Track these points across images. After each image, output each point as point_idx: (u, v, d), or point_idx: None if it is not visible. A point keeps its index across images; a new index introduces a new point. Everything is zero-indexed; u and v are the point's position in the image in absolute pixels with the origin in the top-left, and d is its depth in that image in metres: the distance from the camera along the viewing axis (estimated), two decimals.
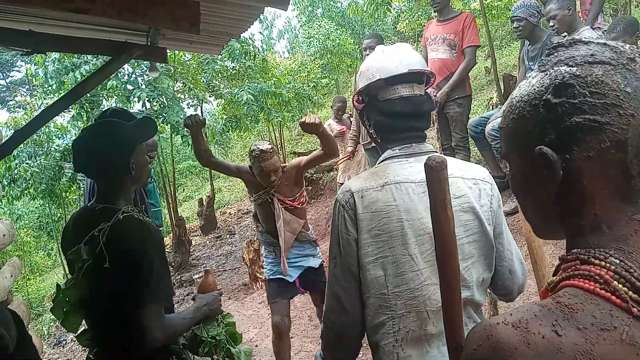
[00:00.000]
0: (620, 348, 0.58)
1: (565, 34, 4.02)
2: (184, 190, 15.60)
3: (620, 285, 0.62)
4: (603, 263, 0.65)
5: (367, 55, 2.37)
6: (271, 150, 3.05)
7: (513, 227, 4.07)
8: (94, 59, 6.31)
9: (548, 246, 3.96)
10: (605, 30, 4.34)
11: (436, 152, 1.50)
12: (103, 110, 2.54)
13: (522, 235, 1.93)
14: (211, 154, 3.22)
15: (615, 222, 0.68)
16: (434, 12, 5.04)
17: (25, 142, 6.31)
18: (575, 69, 0.67)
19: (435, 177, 0.72)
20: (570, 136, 0.66)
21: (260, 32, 14.26)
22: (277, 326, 3.23)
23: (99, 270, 1.55)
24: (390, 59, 1.47)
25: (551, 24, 4.00)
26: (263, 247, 3.51)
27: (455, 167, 1.43)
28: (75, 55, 6.25)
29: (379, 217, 1.35)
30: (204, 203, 8.85)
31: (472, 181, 1.41)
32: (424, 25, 5.35)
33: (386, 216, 1.35)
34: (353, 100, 1.61)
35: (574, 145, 0.66)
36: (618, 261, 0.65)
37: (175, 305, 4.00)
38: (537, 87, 0.70)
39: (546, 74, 0.70)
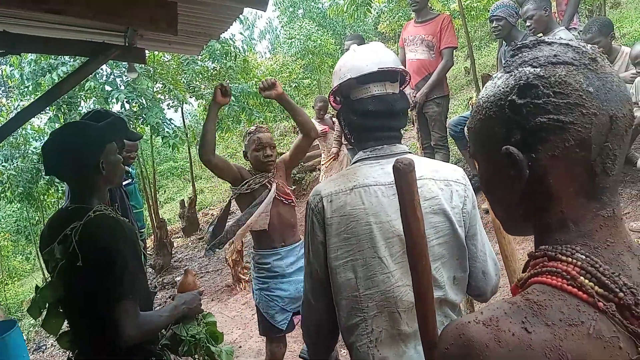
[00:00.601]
0: (588, 342, 0.59)
1: (541, 34, 4.09)
2: (165, 192, 15.45)
3: (586, 281, 0.64)
4: (570, 259, 0.67)
5: None
6: (265, 127, 2.98)
7: (485, 224, 4.12)
8: (72, 60, 6.21)
9: (526, 242, 4.03)
10: (580, 31, 4.42)
11: (410, 152, 1.50)
12: (87, 112, 2.51)
13: (493, 231, 1.95)
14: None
15: (581, 219, 0.70)
16: (412, 12, 5.08)
17: (1, 144, 6.19)
18: (539, 69, 0.68)
19: (404, 179, 0.73)
20: (535, 136, 0.68)
21: (241, 33, 14.19)
22: (273, 353, 3.02)
23: (72, 268, 1.56)
24: (361, 58, 1.46)
25: (528, 24, 4.07)
26: (252, 262, 3.11)
27: (427, 168, 1.43)
28: (52, 57, 6.15)
29: (348, 220, 1.36)
30: (186, 204, 8.77)
31: (443, 182, 1.41)
32: (404, 26, 5.38)
33: (354, 219, 1.36)
34: (330, 102, 1.61)
35: (539, 144, 0.68)
36: (584, 257, 0.66)
37: (158, 308, 3.97)
38: (502, 88, 0.71)
39: (511, 75, 0.71)
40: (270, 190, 2.85)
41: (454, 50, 4.93)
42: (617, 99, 0.66)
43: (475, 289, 1.49)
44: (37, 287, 1.74)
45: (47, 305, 1.70)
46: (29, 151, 7.50)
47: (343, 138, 5.41)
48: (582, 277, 0.64)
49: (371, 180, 1.39)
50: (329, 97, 1.60)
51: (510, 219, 0.81)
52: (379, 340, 1.37)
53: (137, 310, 1.63)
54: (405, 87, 1.56)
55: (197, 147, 2.95)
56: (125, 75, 6.58)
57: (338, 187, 1.41)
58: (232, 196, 3.02)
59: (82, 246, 1.56)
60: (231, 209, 3.35)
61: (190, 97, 8.79)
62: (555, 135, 0.67)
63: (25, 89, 6.43)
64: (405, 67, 4.89)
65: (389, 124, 1.46)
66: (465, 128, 4.51)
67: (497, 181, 0.76)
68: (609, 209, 0.70)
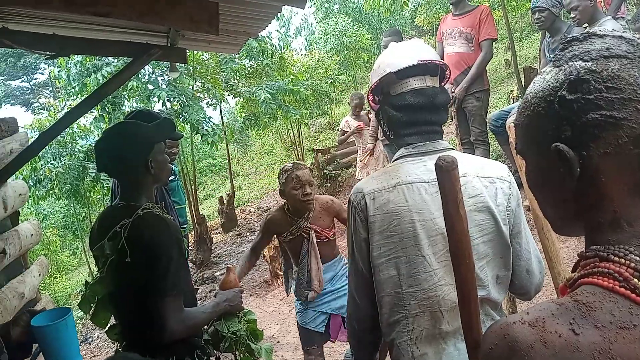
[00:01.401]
0: None
1: (587, 25, 3.95)
2: (204, 188, 15.76)
3: None
4: (622, 260, 0.65)
5: None
6: (302, 164, 2.88)
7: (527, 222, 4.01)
8: (115, 61, 6.41)
9: (570, 241, 3.90)
10: (628, 20, 4.24)
11: (452, 149, 1.48)
12: (130, 112, 2.60)
13: (535, 230, 1.90)
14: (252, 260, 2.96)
15: (635, 219, 0.67)
16: (450, 4, 4.99)
17: (49, 143, 6.45)
18: (590, 63, 0.66)
19: (446, 177, 0.72)
20: (586, 133, 0.66)
21: (277, 30, 14.32)
22: None
23: (121, 264, 1.63)
24: (400, 54, 1.46)
25: (572, 15, 3.93)
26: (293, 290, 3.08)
27: (472, 165, 1.41)
28: (97, 58, 6.36)
29: (391, 218, 1.36)
30: (224, 201, 8.92)
31: (488, 180, 1.39)
32: (442, 19, 5.29)
33: (398, 217, 1.35)
34: (369, 101, 1.61)
35: (591, 141, 0.66)
36: (638, 258, 0.64)
37: (198, 303, 4.06)
38: (552, 83, 0.69)
39: (560, 70, 0.69)
40: (309, 242, 2.80)
41: (494, 42, 4.82)
42: None
43: (519, 287, 1.47)
44: (86, 282, 1.81)
45: (96, 299, 1.77)
46: (76, 149, 7.77)
47: (379, 134, 5.38)
48: (635, 279, 0.62)
49: (414, 178, 1.38)
50: (367, 96, 1.59)
51: (559, 218, 0.79)
52: (420, 338, 1.37)
53: (181, 306, 1.68)
54: (446, 82, 1.54)
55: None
56: (167, 75, 6.74)
57: (381, 185, 1.40)
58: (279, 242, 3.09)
59: (131, 243, 1.62)
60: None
61: (228, 95, 8.92)
62: (607, 132, 0.64)
63: (72, 90, 6.67)
64: None
65: (430, 118, 1.45)
66: (511, 123, 4.42)
67: (547, 179, 0.75)
68: None
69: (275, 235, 2.96)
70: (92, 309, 1.78)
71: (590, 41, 0.69)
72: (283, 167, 2.84)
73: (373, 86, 1.52)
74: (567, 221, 0.77)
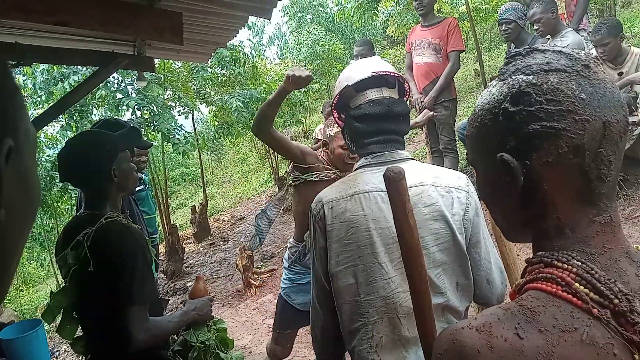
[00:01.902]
0: (581, 348, 0.60)
1: (549, 36, 4.07)
2: (176, 197, 15.56)
3: (581, 287, 0.64)
4: (565, 265, 0.67)
5: None
6: None
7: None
8: (83, 69, 6.29)
9: (530, 250, 3.99)
10: (590, 32, 4.39)
11: (412, 158, 1.50)
12: (97, 121, 2.53)
13: (494, 238, 1.94)
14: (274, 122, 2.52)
15: (577, 225, 0.70)
16: (419, 15, 5.09)
17: None
18: (531, 77, 0.69)
19: (394, 187, 0.74)
20: (528, 143, 0.68)
21: (249, 39, 14.33)
22: (275, 355, 2.95)
23: (84, 274, 1.61)
24: (357, 68, 1.51)
25: (535, 27, 4.05)
26: (286, 255, 2.89)
27: (429, 174, 1.44)
28: (64, 66, 6.25)
29: (348, 226, 1.38)
30: (197, 210, 8.82)
31: (445, 189, 1.41)
32: (411, 30, 5.39)
33: (354, 225, 1.37)
34: (335, 118, 1.64)
35: (533, 151, 0.68)
36: (580, 263, 0.66)
37: (166, 313, 4.00)
38: (497, 96, 0.72)
39: (505, 83, 0.72)
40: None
41: (461, 53, 4.93)
42: (611, 105, 0.67)
43: (481, 297, 1.48)
44: (51, 292, 1.78)
45: (61, 311, 1.73)
46: (43, 159, 7.60)
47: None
48: (577, 284, 0.64)
49: (371, 187, 1.40)
50: (332, 112, 1.62)
51: (509, 226, 0.81)
52: (380, 345, 1.38)
53: (146, 316, 1.65)
54: (407, 97, 1.57)
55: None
56: (136, 83, 6.66)
57: (339, 194, 1.43)
58: (292, 182, 2.69)
59: (93, 252, 1.60)
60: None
61: (200, 103, 8.86)
62: (548, 142, 0.67)
63: (38, 98, 6.52)
64: (412, 72, 4.93)
65: (388, 127, 1.47)
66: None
67: (495, 188, 0.77)
68: (606, 215, 0.70)
69: (298, 164, 2.60)
70: (59, 320, 1.75)
71: (532, 56, 0.72)
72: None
73: (335, 100, 1.57)
74: (516, 228, 0.80)
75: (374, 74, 1.46)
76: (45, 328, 5.89)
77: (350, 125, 1.52)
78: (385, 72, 1.48)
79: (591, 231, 0.69)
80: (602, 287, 0.63)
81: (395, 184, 0.73)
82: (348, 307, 1.40)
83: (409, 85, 1.59)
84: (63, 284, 1.72)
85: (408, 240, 0.73)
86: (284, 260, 2.94)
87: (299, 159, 2.58)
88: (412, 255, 0.75)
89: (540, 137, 0.67)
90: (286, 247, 2.94)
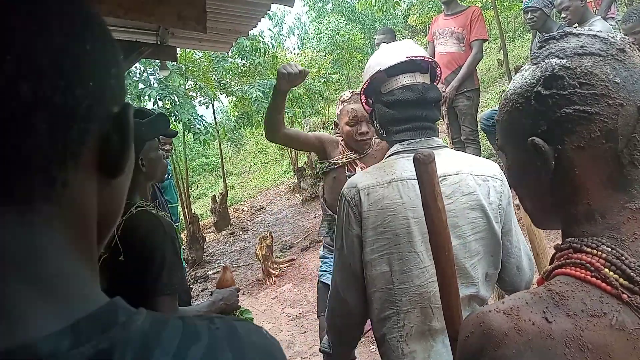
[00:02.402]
0: (610, 333, 0.59)
1: (577, 25, 3.98)
2: (197, 187, 15.73)
3: (610, 273, 0.63)
4: (595, 251, 0.66)
5: None
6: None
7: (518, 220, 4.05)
8: None
9: (559, 239, 3.93)
10: (618, 20, 4.28)
11: (446, 146, 1.48)
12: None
13: (524, 227, 1.92)
14: (284, 123, 2.49)
15: (608, 211, 0.69)
16: (442, 3, 5.03)
17: None
18: (565, 60, 0.68)
19: (424, 170, 0.74)
20: (561, 127, 0.67)
21: (270, 29, 14.31)
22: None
23: (114, 263, 1.61)
24: (389, 52, 1.48)
25: (563, 15, 3.97)
26: (324, 243, 2.77)
27: (465, 163, 1.42)
28: None
29: (385, 214, 1.35)
30: (217, 200, 8.92)
31: (481, 178, 1.39)
32: (433, 19, 5.32)
33: (392, 213, 1.35)
34: (362, 103, 1.60)
35: (565, 135, 0.67)
36: (610, 249, 0.66)
37: (192, 301, 4.06)
38: (529, 80, 0.71)
39: (537, 67, 0.71)
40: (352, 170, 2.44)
41: (485, 43, 4.85)
42: None
43: (510, 284, 1.48)
44: None
45: None
46: None
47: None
48: (606, 269, 0.64)
49: (409, 174, 1.36)
50: (360, 98, 1.59)
51: (538, 212, 0.81)
52: (410, 335, 1.37)
53: (175, 305, 1.67)
54: (438, 82, 1.54)
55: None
56: (158, 73, 6.73)
57: (375, 180, 1.39)
58: (319, 172, 2.66)
59: (124, 241, 1.60)
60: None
61: (220, 94, 8.92)
62: (581, 127, 0.66)
63: None
64: None
65: (421, 113, 1.44)
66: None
67: (524, 173, 0.77)
68: (638, 202, 0.69)
69: (317, 154, 2.58)
70: None
71: (566, 39, 0.71)
72: (341, 96, 2.51)
73: (365, 85, 1.52)
74: (545, 214, 0.79)
75: (407, 58, 1.42)
76: None
77: (380, 111, 1.48)
78: (419, 56, 1.44)
79: (622, 217, 0.68)
80: (632, 273, 0.63)
81: (425, 167, 0.73)
82: (380, 295, 1.38)
83: (440, 69, 1.56)
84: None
85: (437, 223, 0.73)
86: (321, 251, 2.84)
87: (320, 150, 2.54)
88: (440, 239, 0.75)
89: (573, 121, 0.66)
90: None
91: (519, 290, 1.49)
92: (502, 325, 0.62)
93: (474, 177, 1.38)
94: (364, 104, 1.60)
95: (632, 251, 0.66)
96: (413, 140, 1.44)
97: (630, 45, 0.69)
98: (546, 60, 0.71)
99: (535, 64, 0.73)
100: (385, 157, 1.50)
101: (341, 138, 2.52)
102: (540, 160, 0.70)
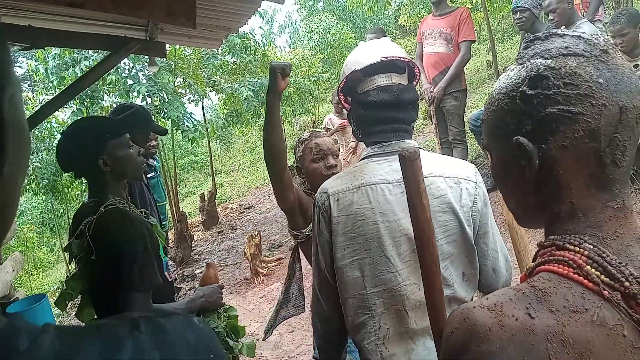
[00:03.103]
0: (591, 329, 0.60)
1: (564, 27, 4.02)
2: (185, 185, 15.63)
3: (592, 270, 0.65)
4: (577, 248, 0.68)
5: None
6: (322, 131, 2.30)
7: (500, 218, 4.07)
8: (94, 54, 6.32)
9: (540, 237, 3.97)
10: (606, 23, 4.33)
11: (421, 148, 1.48)
12: (116, 106, 2.50)
13: (506, 226, 1.94)
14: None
15: (590, 209, 0.70)
16: (432, 4, 5.05)
17: None
18: (549, 61, 0.69)
19: (409, 167, 0.74)
20: (545, 126, 0.68)
21: (260, 27, 14.24)
22: None
23: (88, 262, 1.62)
24: (365, 52, 1.45)
25: (551, 17, 4.00)
26: None
27: (437, 165, 1.40)
28: (76, 51, 6.27)
29: (355, 220, 1.35)
30: (206, 198, 8.87)
31: (453, 180, 1.38)
32: (422, 19, 5.35)
33: (361, 219, 1.34)
34: (341, 101, 1.58)
35: (549, 135, 0.68)
36: (592, 246, 0.67)
37: (177, 298, 4.02)
38: (514, 80, 0.72)
39: (523, 67, 0.72)
40: None
41: (473, 44, 4.89)
42: (628, 91, 0.67)
43: (486, 286, 1.48)
44: (65, 278, 1.80)
45: (79, 296, 1.75)
46: (54, 144, 7.66)
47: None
48: (588, 266, 0.65)
49: (378, 178, 1.37)
50: (338, 95, 1.57)
51: (522, 211, 0.82)
52: (387, 337, 1.36)
53: (149, 302, 1.65)
54: (416, 82, 1.52)
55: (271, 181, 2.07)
56: (147, 69, 6.67)
57: (345, 185, 1.39)
58: (296, 243, 2.28)
59: (94, 240, 1.60)
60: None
61: (210, 91, 8.87)
62: (564, 126, 0.67)
63: (50, 83, 6.57)
64: (422, 61, 4.89)
65: (396, 115, 1.42)
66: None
67: (509, 172, 0.77)
68: (619, 200, 0.70)
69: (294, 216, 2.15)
70: (74, 305, 1.77)
71: (551, 40, 0.72)
72: (299, 138, 2.26)
73: (342, 84, 1.51)
74: (529, 213, 0.80)
75: (383, 59, 1.40)
76: (56, 312, 5.97)
77: (356, 111, 1.46)
78: (395, 57, 1.42)
79: (604, 216, 0.70)
80: (613, 270, 0.64)
81: (410, 164, 0.73)
82: (353, 302, 1.37)
83: (419, 69, 1.53)
84: (73, 271, 1.73)
85: (421, 220, 0.74)
86: None
87: (297, 211, 2.13)
88: (424, 235, 0.75)
89: (557, 120, 0.67)
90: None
91: None
92: (486, 321, 0.63)
93: (446, 180, 1.37)
94: (342, 102, 1.57)
95: (614, 249, 0.67)
96: (384, 143, 1.42)
97: (613, 47, 0.70)
98: (531, 61, 0.72)
99: (520, 64, 0.74)
100: (359, 160, 1.49)
101: (306, 190, 2.23)
102: (525, 159, 0.71)
